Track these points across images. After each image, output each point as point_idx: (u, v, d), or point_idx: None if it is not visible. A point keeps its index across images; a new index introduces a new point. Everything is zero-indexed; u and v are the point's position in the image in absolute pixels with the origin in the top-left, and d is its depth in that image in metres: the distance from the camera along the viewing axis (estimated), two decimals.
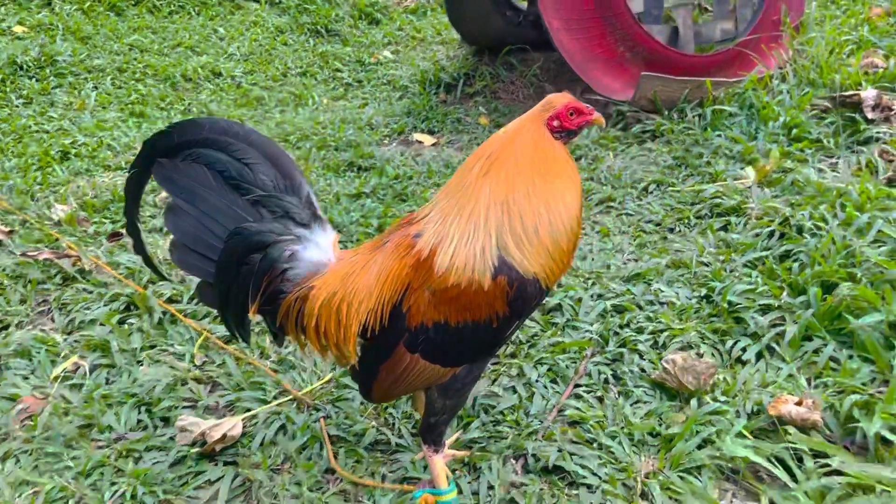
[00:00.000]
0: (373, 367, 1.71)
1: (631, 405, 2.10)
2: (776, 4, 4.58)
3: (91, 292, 2.89)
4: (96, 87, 5.32)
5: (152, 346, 2.54)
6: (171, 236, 1.73)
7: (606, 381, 2.21)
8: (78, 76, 5.41)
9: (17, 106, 4.90)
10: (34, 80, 5.25)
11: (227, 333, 1.97)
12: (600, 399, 2.13)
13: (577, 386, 2.19)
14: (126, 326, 2.67)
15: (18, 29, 5.90)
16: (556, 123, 1.61)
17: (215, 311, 1.91)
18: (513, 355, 2.35)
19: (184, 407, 2.25)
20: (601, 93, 4.27)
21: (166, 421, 2.20)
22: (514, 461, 1.95)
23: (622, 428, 1.99)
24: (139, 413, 2.22)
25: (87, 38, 5.97)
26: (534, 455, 1.93)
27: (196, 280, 1.79)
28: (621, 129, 4.18)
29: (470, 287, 1.56)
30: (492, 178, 1.58)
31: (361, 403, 2.18)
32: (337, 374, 2.32)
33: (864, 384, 2.03)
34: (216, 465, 2.00)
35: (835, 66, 4.06)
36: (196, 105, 5.22)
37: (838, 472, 1.74)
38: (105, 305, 2.78)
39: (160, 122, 4.87)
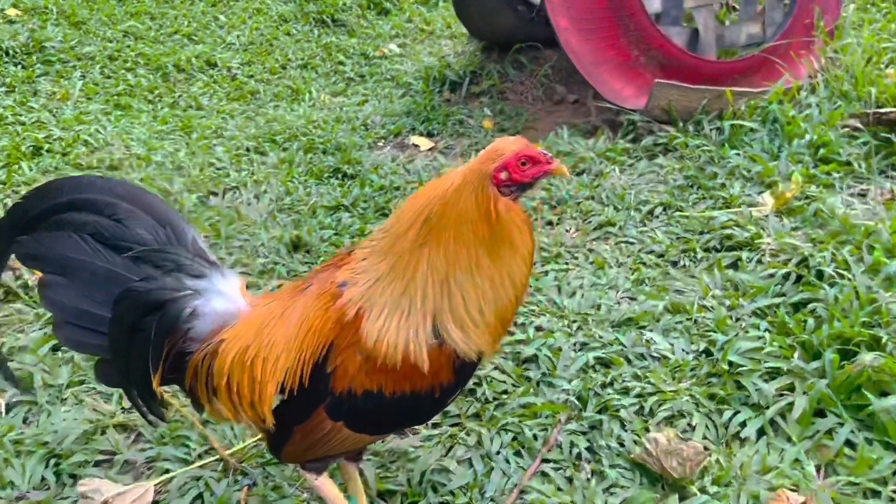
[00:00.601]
0: (287, 425, 1.50)
1: (605, 490, 1.79)
2: (809, 7, 4.18)
3: (28, 313, 2.63)
4: (84, 76, 5.07)
5: (81, 382, 2.27)
6: (52, 315, 1.51)
7: (579, 455, 1.90)
8: (66, 63, 5.17)
9: None
10: (19, 66, 5.02)
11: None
12: (570, 479, 1.82)
13: (544, 461, 1.88)
14: (59, 354, 2.41)
15: (11, 12, 5.68)
16: (503, 176, 1.34)
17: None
18: (477, 415, 2.05)
19: (98, 461, 1.98)
20: (611, 100, 3.92)
21: (75, 478, 1.93)
22: None
23: None
24: (46, 467, 1.96)
25: (81, 24, 5.72)
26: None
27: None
28: (631, 140, 3.83)
29: (407, 361, 1.37)
30: (430, 248, 1.36)
31: (294, 469, 1.89)
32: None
33: (884, 478, 1.70)
34: None
35: (872, 78, 3.68)
36: (186, 97, 4.95)
37: None
38: (40, 329, 2.53)
39: (144, 116, 4.62)
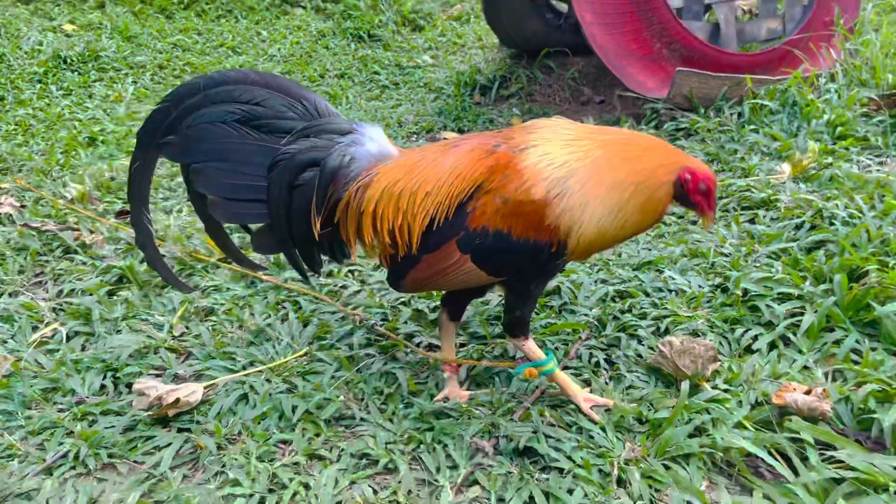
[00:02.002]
0: (415, 255, 1.69)
1: (621, 391, 1.90)
2: (828, 5, 4.33)
3: (86, 264, 2.83)
4: (135, 82, 5.39)
5: (134, 316, 2.45)
6: (208, 196, 1.72)
7: (598, 364, 2.01)
8: (119, 71, 5.50)
9: (55, 97, 4.98)
10: (76, 73, 5.35)
11: (297, 274, 1.91)
12: (587, 383, 1.93)
13: (565, 368, 2.00)
14: (114, 298, 2.59)
15: (68, 27, 6.06)
16: (687, 177, 1.59)
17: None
18: (500, 335, 2.18)
19: (150, 374, 2.14)
20: (635, 90, 4.08)
21: (131, 387, 2.09)
22: (485, 440, 1.76)
23: (607, 411, 1.79)
24: (104, 378, 2.12)
25: (133, 37, 6.08)
26: (506, 436, 1.74)
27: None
28: (654, 126, 3.97)
29: (541, 208, 1.58)
30: (609, 159, 1.60)
31: (332, 377, 2.03)
32: (313, 347, 2.18)
33: (889, 378, 1.79)
34: (169, 430, 1.87)
35: (890, 68, 3.79)
36: None
37: (847, 468, 1.51)
38: (97, 277, 2.72)
39: None
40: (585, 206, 1.57)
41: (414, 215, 1.66)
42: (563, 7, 5.33)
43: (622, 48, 4.13)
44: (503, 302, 1.83)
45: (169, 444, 1.80)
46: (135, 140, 1.79)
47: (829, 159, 3.11)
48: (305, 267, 1.83)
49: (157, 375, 2.14)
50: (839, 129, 3.38)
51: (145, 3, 6.51)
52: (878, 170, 2.98)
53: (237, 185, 1.72)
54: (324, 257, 1.86)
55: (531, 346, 1.81)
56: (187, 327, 2.37)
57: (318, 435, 1.82)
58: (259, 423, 1.87)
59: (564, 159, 1.59)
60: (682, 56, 4.13)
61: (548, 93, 5.18)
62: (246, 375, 2.06)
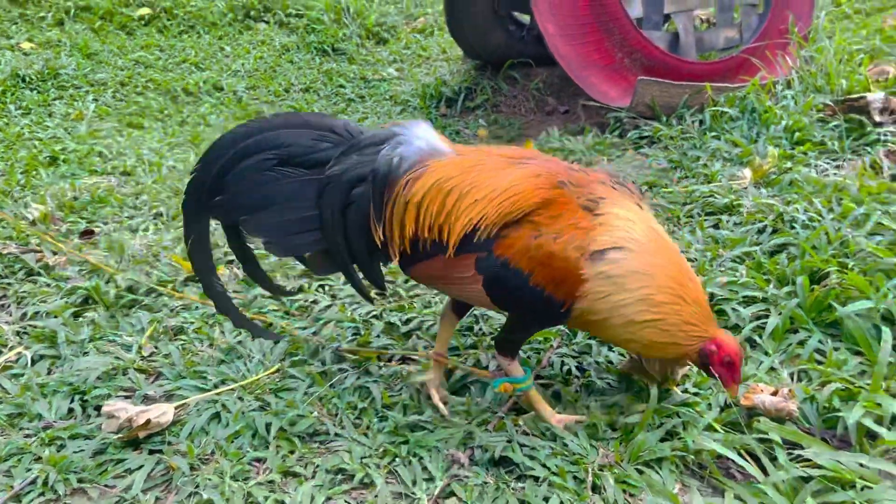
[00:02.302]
0: (434, 251, 1.69)
1: (594, 397, 1.92)
2: (783, 13, 4.45)
3: (50, 286, 2.79)
4: (96, 100, 5.33)
5: (101, 338, 2.41)
6: (262, 240, 1.79)
7: (569, 372, 2.03)
8: (79, 89, 5.43)
9: (14, 116, 4.90)
10: (35, 91, 5.27)
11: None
12: (557, 396, 1.95)
13: (537, 377, 2.01)
14: (80, 319, 2.55)
15: (26, 45, 5.96)
16: (712, 349, 1.61)
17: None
18: (474, 346, 2.19)
19: (119, 396, 2.11)
20: (598, 100, 4.14)
21: (100, 410, 2.06)
22: (461, 451, 1.77)
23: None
24: (72, 402, 2.08)
25: (93, 55, 6.01)
26: (481, 446, 1.75)
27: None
28: (618, 135, 4.04)
29: (573, 267, 1.56)
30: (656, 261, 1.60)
31: (305, 393, 2.02)
32: (285, 364, 2.17)
33: (851, 377, 1.83)
34: (140, 453, 1.85)
35: (843, 74, 3.90)
36: (193, 116, 5.19)
37: (815, 466, 1.55)
38: (61, 298, 2.68)
39: (156, 133, 4.84)
40: (611, 295, 1.56)
41: (458, 217, 1.63)
42: (526, 19, 5.40)
43: (584, 59, 4.19)
44: (505, 321, 1.84)
45: (140, 467, 1.78)
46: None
47: (789, 164, 3.19)
48: (366, 285, 1.86)
49: (127, 397, 2.11)
50: (797, 134, 3.45)
51: (105, 19, 6.44)
52: (834, 173, 3.06)
53: (289, 222, 1.76)
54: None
55: (515, 367, 1.80)
56: (156, 347, 2.34)
57: (292, 452, 1.81)
58: (232, 441, 1.86)
59: (620, 236, 1.57)
60: (644, 65, 4.20)
61: (513, 104, 5.24)
62: (218, 394, 2.04)
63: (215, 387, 2.08)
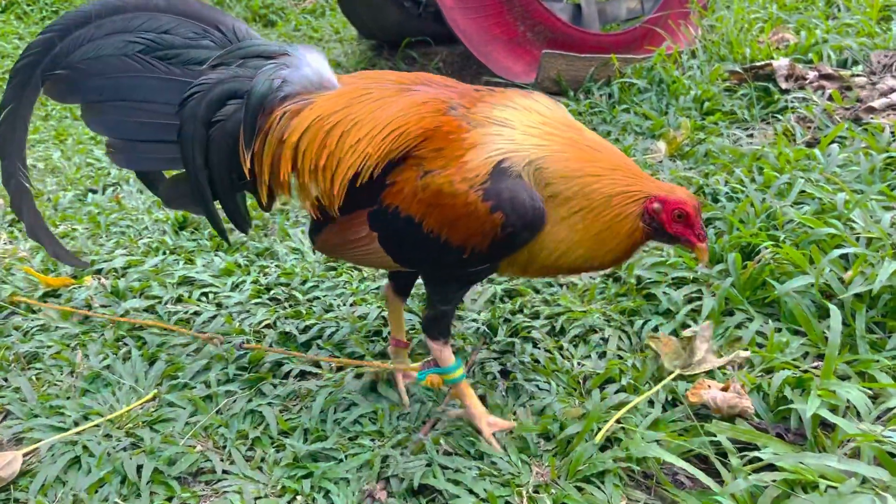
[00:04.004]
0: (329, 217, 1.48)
1: (522, 401, 1.69)
2: None
3: None
4: None
5: None
6: (105, 138, 1.51)
7: (493, 377, 1.80)
8: None
9: None
10: None
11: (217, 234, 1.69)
12: (482, 398, 1.72)
13: (480, 350, 1.78)
14: None
15: None
16: (655, 207, 1.32)
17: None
18: (383, 354, 1.93)
19: None
20: (502, 76, 3.93)
21: None
22: (374, 481, 1.51)
23: (507, 433, 1.58)
24: None
25: None
26: (396, 475, 1.49)
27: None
28: None
29: (465, 203, 1.32)
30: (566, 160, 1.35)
31: (186, 423, 1.71)
32: (162, 390, 1.85)
33: (794, 360, 1.68)
34: None
35: (745, 42, 3.83)
36: (58, 109, 4.67)
37: (772, 468, 1.37)
38: None
39: None
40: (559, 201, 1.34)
41: (339, 160, 1.39)
42: None
43: (486, 33, 3.97)
44: (426, 297, 1.59)
45: None
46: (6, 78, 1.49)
47: (701, 135, 3.07)
48: (226, 225, 1.60)
49: None
50: (706, 104, 3.36)
51: None
52: (748, 142, 2.95)
53: (141, 124, 1.48)
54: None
55: (447, 353, 1.56)
56: (4, 379, 1.96)
57: (169, 499, 1.51)
58: (95, 492, 1.53)
59: (514, 148, 1.33)
60: (547, 38, 4.03)
61: None
62: (78, 433, 1.70)
63: (76, 424, 1.73)
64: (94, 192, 3.36)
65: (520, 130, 1.36)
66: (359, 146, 1.39)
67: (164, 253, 2.55)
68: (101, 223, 2.90)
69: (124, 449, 1.64)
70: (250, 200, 1.63)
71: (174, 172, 1.61)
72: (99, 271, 2.47)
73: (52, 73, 1.47)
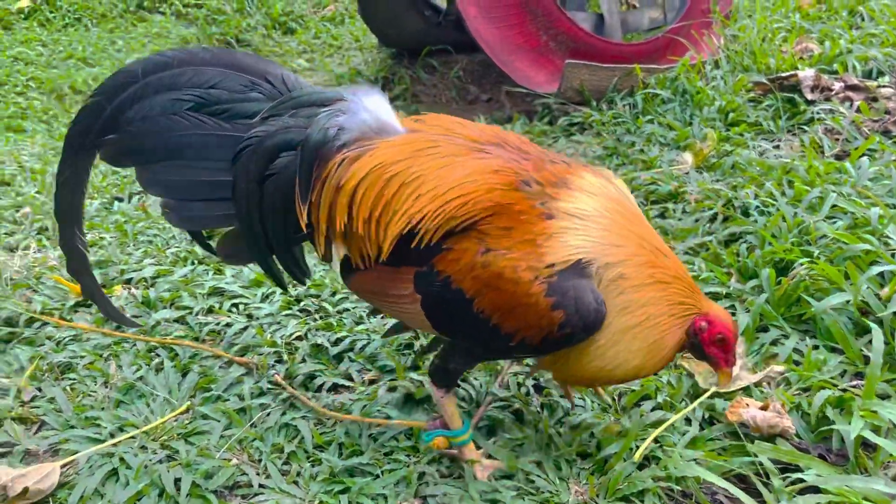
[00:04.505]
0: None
1: (558, 419, 1.69)
2: None
3: None
4: None
5: None
6: (160, 199, 1.49)
7: (528, 392, 1.80)
8: None
9: None
10: None
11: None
12: (517, 415, 1.71)
13: (495, 399, 1.77)
14: None
15: None
16: (702, 325, 1.33)
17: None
18: (415, 367, 1.93)
19: None
20: (524, 85, 3.94)
21: None
22: (412, 500, 1.51)
23: (546, 448, 1.57)
24: None
25: None
26: (433, 496, 1.49)
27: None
28: (547, 123, 3.84)
29: (526, 293, 1.27)
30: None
31: (221, 437, 1.72)
32: (196, 402, 1.85)
33: (832, 378, 1.67)
34: None
35: (769, 52, 3.82)
36: None
37: (815, 490, 1.36)
38: None
39: (39, 136, 4.35)
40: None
41: (395, 212, 1.34)
42: (443, 3, 5.15)
43: (508, 42, 3.98)
44: (440, 346, 1.55)
45: None
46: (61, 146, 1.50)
47: (728, 147, 3.06)
48: (286, 276, 1.59)
49: (3, 455, 1.75)
50: (731, 115, 3.34)
51: None
52: (775, 154, 2.94)
53: (194, 183, 1.47)
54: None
55: (450, 404, 1.52)
56: (39, 389, 1.97)
57: None
58: None
59: (592, 247, 1.29)
60: (569, 48, 4.03)
61: (433, 93, 4.98)
62: (115, 445, 1.71)
63: (111, 436, 1.74)
64: (120, 200, 3.39)
65: (597, 225, 1.31)
66: (419, 202, 1.33)
67: (193, 263, 2.57)
68: (128, 232, 2.92)
69: (160, 461, 1.65)
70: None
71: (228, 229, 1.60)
72: (128, 281, 2.49)
73: (104, 138, 1.47)
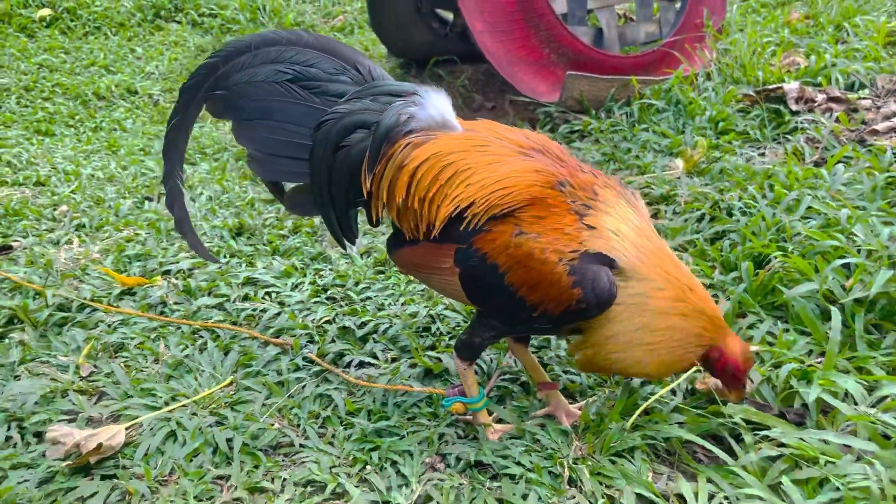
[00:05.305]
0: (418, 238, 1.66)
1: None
2: (698, 8, 4.59)
3: None
4: (0, 106, 5.01)
5: (33, 359, 2.26)
6: (247, 152, 1.74)
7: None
8: None
9: None
10: None
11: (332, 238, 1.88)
12: (524, 386, 1.95)
13: (502, 374, 2.01)
14: (6, 341, 2.39)
15: None
16: (715, 356, 1.59)
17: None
18: (433, 346, 2.17)
19: (61, 420, 1.98)
20: (527, 95, 4.18)
21: (40, 436, 1.93)
22: (434, 456, 1.74)
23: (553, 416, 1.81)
24: (9, 429, 1.94)
25: None
26: (452, 454, 1.73)
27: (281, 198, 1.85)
28: (549, 130, 4.09)
29: (551, 272, 1.50)
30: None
31: (263, 405, 1.95)
32: (238, 376, 2.09)
33: (800, 356, 1.90)
34: (91, 479, 1.74)
35: (758, 65, 4.06)
36: (108, 122, 4.95)
37: (779, 445, 1.60)
38: None
39: (67, 139, 4.59)
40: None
41: (446, 195, 1.56)
42: (450, 16, 5.40)
43: (512, 55, 4.22)
44: (470, 321, 1.77)
45: (94, 494, 1.68)
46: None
47: (717, 153, 3.30)
48: (341, 233, 1.81)
49: (70, 421, 1.99)
50: (721, 124, 3.58)
51: (3, 21, 6.07)
52: (760, 161, 3.18)
53: (280, 142, 1.71)
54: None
55: (470, 374, 1.74)
56: (96, 366, 2.21)
57: (256, 467, 1.74)
58: (192, 460, 1.77)
59: (614, 244, 1.52)
60: (570, 60, 4.27)
61: None
62: (170, 412, 1.94)
63: (166, 404, 1.98)
64: (150, 199, 3.63)
65: (627, 241, 1.54)
66: (468, 190, 1.55)
67: (226, 256, 2.80)
68: (160, 229, 3.16)
69: (210, 426, 1.88)
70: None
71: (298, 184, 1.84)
72: (167, 272, 2.72)
73: (214, 92, 1.72)
